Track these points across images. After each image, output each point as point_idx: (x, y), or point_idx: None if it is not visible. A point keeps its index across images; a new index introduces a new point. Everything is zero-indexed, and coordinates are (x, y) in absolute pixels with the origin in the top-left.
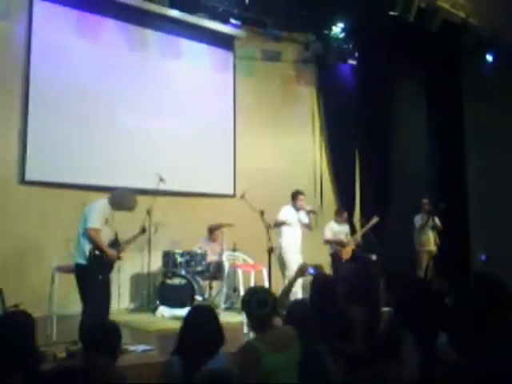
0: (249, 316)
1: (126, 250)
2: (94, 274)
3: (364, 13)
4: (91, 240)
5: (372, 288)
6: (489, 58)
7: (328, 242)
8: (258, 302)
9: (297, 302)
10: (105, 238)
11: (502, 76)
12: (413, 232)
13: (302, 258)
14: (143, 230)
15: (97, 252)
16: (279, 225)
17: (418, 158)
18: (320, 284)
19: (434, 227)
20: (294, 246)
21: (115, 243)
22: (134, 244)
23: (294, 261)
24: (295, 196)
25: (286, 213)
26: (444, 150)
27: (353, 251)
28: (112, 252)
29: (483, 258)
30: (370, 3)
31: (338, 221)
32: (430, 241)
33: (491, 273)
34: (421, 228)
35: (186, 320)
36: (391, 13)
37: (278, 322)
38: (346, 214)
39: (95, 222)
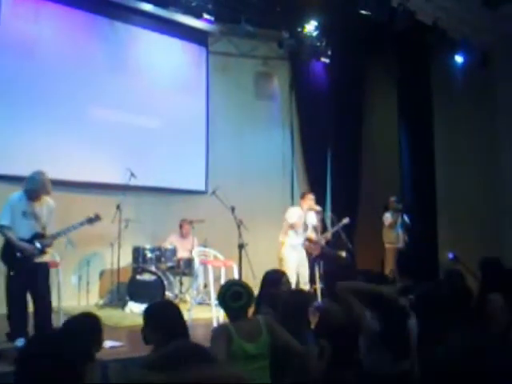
0: (224, 308)
1: (52, 244)
2: (8, 270)
3: (337, 11)
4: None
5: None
6: (458, 58)
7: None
8: (232, 295)
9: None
10: (23, 231)
11: (471, 77)
12: (382, 229)
13: (300, 256)
14: (89, 220)
15: (6, 248)
16: (288, 227)
17: (388, 157)
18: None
19: (403, 225)
20: (294, 247)
21: (39, 237)
22: (103, 239)
23: (292, 259)
24: (303, 196)
25: (295, 215)
26: (414, 149)
27: (322, 248)
28: (23, 246)
29: (450, 256)
30: (343, 2)
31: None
32: (399, 238)
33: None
34: (390, 225)
35: (146, 315)
36: (363, 12)
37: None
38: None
39: (0, 219)
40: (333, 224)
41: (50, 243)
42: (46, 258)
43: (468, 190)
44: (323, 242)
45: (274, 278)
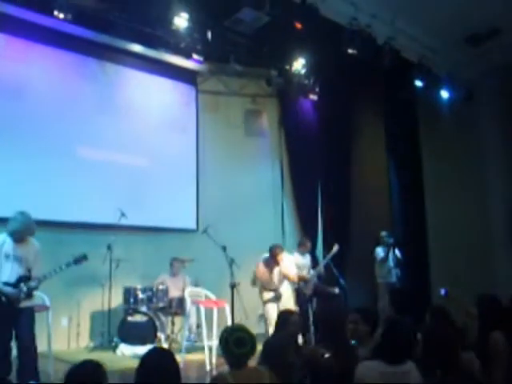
0: (226, 354)
1: (38, 287)
2: None
3: (324, 49)
4: None
5: (341, 325)
6: (444, 93)
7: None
8: (236, 341)
9: (274, 337)
10: (7, 275)
11: (456, 111)
12: (373, 264)
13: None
14: (75, 261)
15: None
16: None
17: (378, 192)
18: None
19: (394, 260)
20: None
21: (25, 280)
22: (94, 280)
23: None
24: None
25: (259, 271)
26: (403, 183)
27: (315, 286)
28: (8, 291)
29: (442, 292)
30: (330, 41)
31: (302, 251)
32: (391, 273)
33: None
34: (381, 260)
35: (143, 363)
36: (350, 50)
37: None
38: (309, 244)
39: None
40: (324, 257)
41: (36, 286)
42: (32, 302)
43: (458, 222)
44: (315, 279)
45: (282, 319)
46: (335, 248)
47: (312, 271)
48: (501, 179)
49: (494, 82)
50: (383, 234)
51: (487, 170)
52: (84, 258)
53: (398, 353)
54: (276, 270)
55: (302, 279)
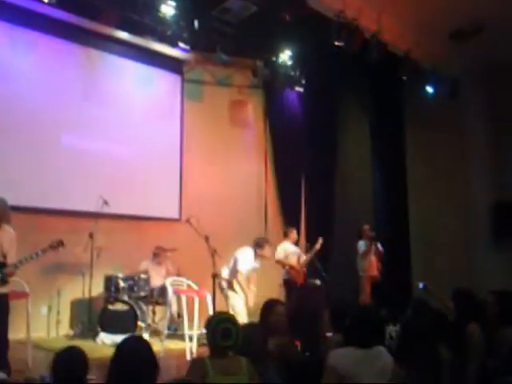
0: (211, 344)
1: (13, 273)
2: None
3: (311, 41)
4: None
5: (315, 317)
6: (429, 89)
7: (279, 262)
8: (223, 333)
9: (249, 325)
10: None
11: (440, 106)
12: (355, 257)
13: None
14: (51, 246)
15: None
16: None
17: (361, 185)
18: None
19: (376, 253)
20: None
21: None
22: (75, 268)
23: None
24: (261, 245)
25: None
26: (387, 177)
27: (305, 275)
28: None
29: (421, 285)
30: (317, 33)
31: (294, 239)
32: (373, 267)
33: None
34: (363, 254)
35: (118, 351)
36: (336, 43)
37: None
38: (295, 232)
39: None
40: (307, 251)
41: (11, 272)
42: (7, 289)
43: (441, 218)
44: (304, 268)
45: (265, 308)
46: (319, 241)
47: (301, 258)
48: (483, 177)
49: (478, 79)
50: (366, 227)
51: (470, 166)
52: (60, 243)
53: (368, 337)
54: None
55: (292, 268)
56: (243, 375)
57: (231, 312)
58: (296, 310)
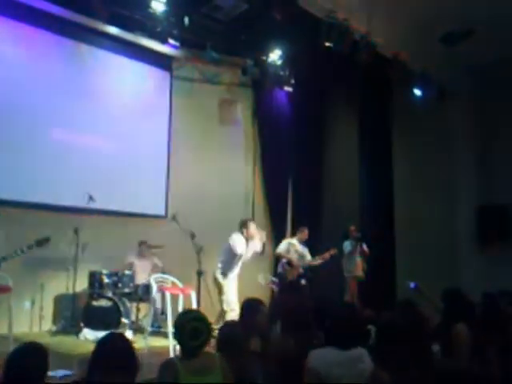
0: (181, 344)
1: None
2: None
3: (301, 42)
4: None
5: (304, 314)
6: (417, 91)
7: (279, 255)
8: (192, 332)
9: (227, 324)
10: None
11: (428, 109)
12: (341, 258)
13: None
14: (37, 243)
15: None
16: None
17: (348, 185)
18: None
19: (362, 254)
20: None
21: None
22: (59, 263)
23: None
24: (245, 224)
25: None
26: (374, 177)
27: (299, 274)
28: None
29: (412, 285)
30: (307, 33)
31: (300, 239)
32: (358, 267)
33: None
34: (349, 254)
35: (98, 347)
36: (326, 43)
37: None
38: (306, 231)
39: None
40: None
41: None
42: None
43: (426, 219)
44: (301, 268)
45: (249, 308)
46: (333, 251)
47: (305, 259)
48: (469, 180)
49: (467, 82)
50: (352, 227)
51: (456, 169)
52: (46, 240)
53: (348, 337)
54: (250, 245)
55: (289, 263)
56: (216, 373)
57: (225, 307)
58: (284, 309)
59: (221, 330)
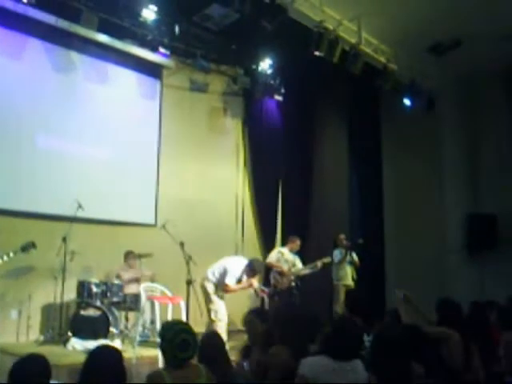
0: (168, 356)
1: None
2: None
3: (291, 51)
4: None
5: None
6: (406, 101)
7: (270, 265)
8: (181, 345)
9: (208, 335)
10: None
11: (417, 119)
12: (331, 266)
13: None
14: (23, 248)
15: None
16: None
17: (338, 194)
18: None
19: (351, 262)
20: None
21: None
22: (47, 272)
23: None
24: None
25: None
26: (363, 187)
27: (290, 283)
28: None
29: (401, 295)
30: (297, 43)
31: (292, 248)
32: (348, 275)
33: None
34: (339, 263)
35: (89, 359)
36: (316, 53)
37: None
38: (298, 241)
39: None
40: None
41: None
42: None
43: (415, 228)
44: (292, 277)
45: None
46: (324, 260)
47: (295, 268)
48: (457, 189)
49: (455, 92)
50: (342, 236)
51: (445, 176)
52: (32, 245)
53: (347, 349)
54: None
55: (281, 273)
56: (203, 383)
57: (213, 317)
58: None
59: (202, 340)
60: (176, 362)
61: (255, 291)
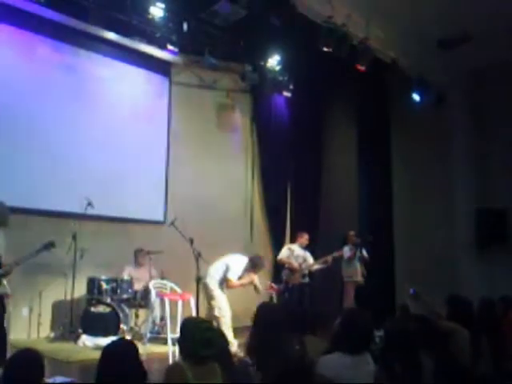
0: (191, 353)
1: (11, 272)
2: None
3: (299, 47)
4: None
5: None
6: (416, 96)
7: (280, 261)
8: (205, 342)
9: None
10: None
11: (426, 114)
12: (341, 263)
13: None
14: (45, 247)
15: None
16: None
17: (347, 191)
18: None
19: (361, 259)
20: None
21: None
22: (57, 269)
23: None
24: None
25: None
26: (373, 184)
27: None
28: None
29: (411, 291)
30: (305, 38)
31: (302, 243)
32: (358, 272)
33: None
34: (348, 259)
35: (104, 355)
36: (325, 49)
37: None
38: (306, 236)
39: None
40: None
41: (9, 271)
42: (2, 290)
43: (425, 225)
44: (306, 271)
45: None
46: (335, 254)
47: (306, 263)
48: (467, 184)
49: (464, 87)
50: (351, 233)
51: (455, 174)
52: (52, 244)
53: (359, 341)
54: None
55: (290, 269)
56: (218, 381)
57: (217, 314)
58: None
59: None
60: (196, 359)
61: (255, 288)
